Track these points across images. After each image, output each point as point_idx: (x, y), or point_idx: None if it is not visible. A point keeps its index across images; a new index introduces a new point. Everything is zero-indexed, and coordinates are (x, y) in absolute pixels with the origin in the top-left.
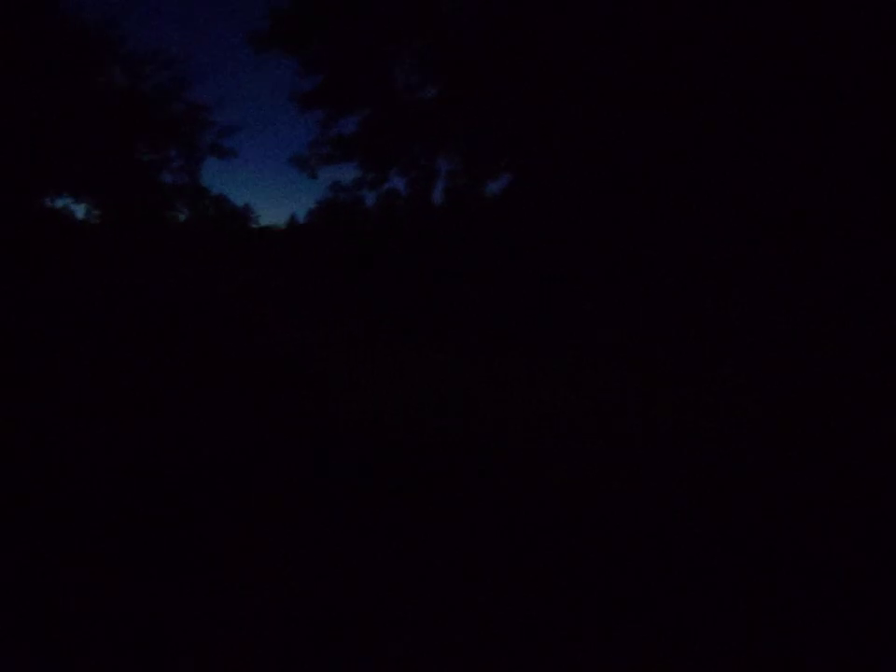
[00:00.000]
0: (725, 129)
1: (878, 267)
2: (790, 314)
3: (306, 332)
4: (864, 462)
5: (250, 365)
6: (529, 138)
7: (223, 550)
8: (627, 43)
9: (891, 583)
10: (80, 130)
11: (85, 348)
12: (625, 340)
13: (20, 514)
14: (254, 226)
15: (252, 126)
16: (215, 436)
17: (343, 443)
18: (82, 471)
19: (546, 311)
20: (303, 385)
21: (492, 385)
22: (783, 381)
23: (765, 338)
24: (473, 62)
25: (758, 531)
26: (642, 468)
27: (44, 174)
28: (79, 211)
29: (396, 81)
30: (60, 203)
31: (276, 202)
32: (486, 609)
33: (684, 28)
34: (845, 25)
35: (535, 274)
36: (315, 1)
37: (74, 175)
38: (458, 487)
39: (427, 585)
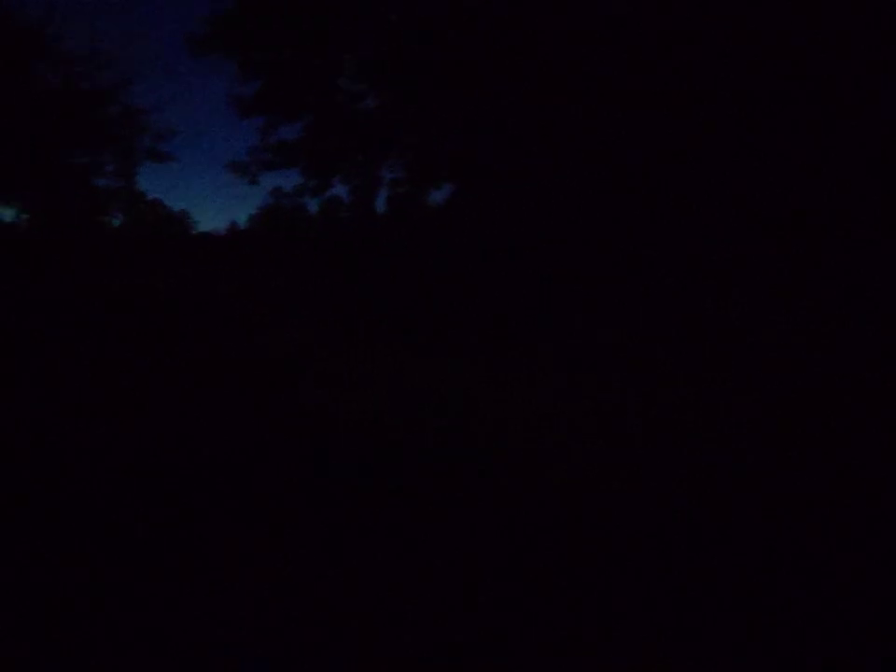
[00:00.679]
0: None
1: (879, 267)
2: (790, 313)
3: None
4: (864, 462)
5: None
6: (473, 148)
7: (223, 549)
8: (568, 53)
9: (891, 583)
10: (8, 130)
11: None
12: (625, 340)
13: (19, 514)
14: (192, 232)
15: (191, 131)
16: (214, 436)
17: (342, 443)
18: (81, 471)
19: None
20: (302, 384)
21: (491, 385)
22: (783, 381)
23: (765, 338)
24: (416, 72)
25: (758, 531)
26: (642, 468)
27: None
28: (5, 215)
29: (338, 88)
30: None
31: (217, 208)
32: (486, 609)
33: (639, 27)
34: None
35: (484, 280)
36: (254, 5)
37: (1, 176)
38: (458, 487)
39: (427, 585)
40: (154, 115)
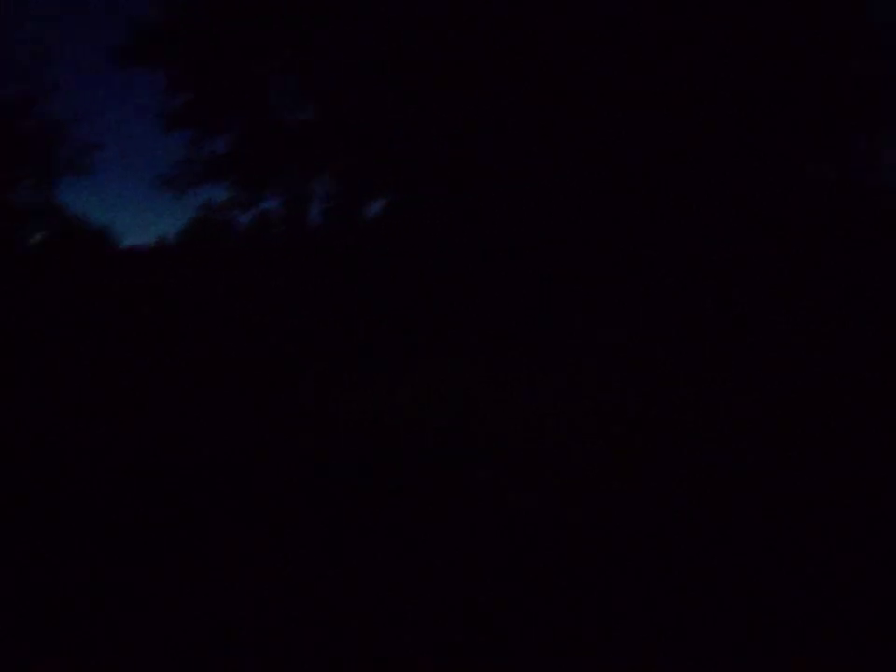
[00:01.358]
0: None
1: (878, 267)
2: (790, 313)
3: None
4: (864, 462)
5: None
6: (408, 162)
7: (223, 549)
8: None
9: (891, 583)
10: None
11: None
12: (625, 340)
13: (19, 514)
14: (117, 246)
15: (117, 144)
16: (214, 436)
17: (343, 443)
18: (82, 472)
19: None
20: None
21: (491, 385)
22: (783, 381)
23: (765, 338)
24: (345, 85)
25: (758, 531)
26: (642, 468)
27: None
28: None
29: (269, 101)
30: None
31: (144, 223)
32: (486, 609)
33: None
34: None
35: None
36: (180, 16)
37: None
38: (458, 487)
39: (427, 585)
40: (74, 127)
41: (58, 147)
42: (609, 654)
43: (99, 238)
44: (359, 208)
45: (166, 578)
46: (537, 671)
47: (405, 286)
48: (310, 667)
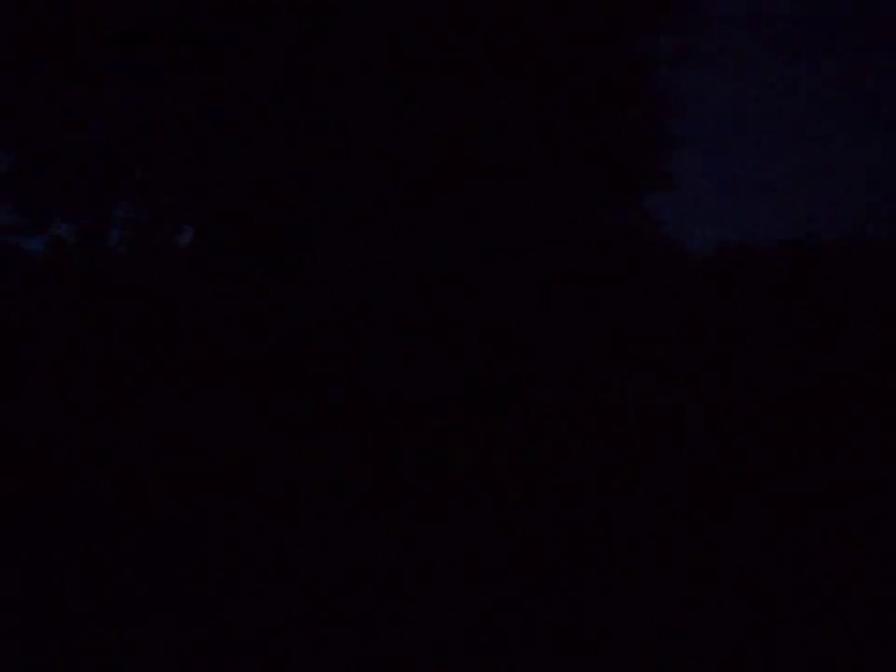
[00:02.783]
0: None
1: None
2: (789, 313)
3: None
4: (864, 462)
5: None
6: (212, 191)
7: (223, 549)
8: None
9: (891, 583)
10: None
11: None
12: (626, 341)
13: (23, 514)
14: None
15: None
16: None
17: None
18: (86, 471)
19: None
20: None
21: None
22: (783, 381)
23: (765, 338)
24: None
25: (758, 531)
26: (642, 468)
27: None
28: None
29: (61, 120)
30: None
31: None
32: (486, 609)
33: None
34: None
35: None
36: None
37: None
38: (458, 488)
39: (427, 585)
40: None
41: None
42: (610, 654)
43: None
44: (164, 235)
45: (167, 577)
46: (537, 671)
47: (207, 315)
48: (310, 667)
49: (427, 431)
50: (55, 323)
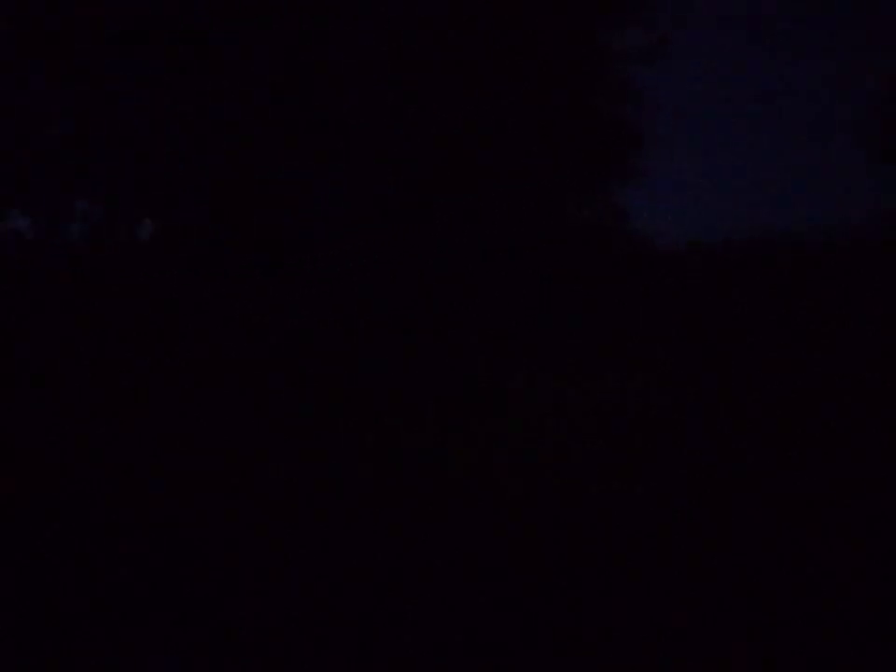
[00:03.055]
0: None
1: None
2: (789, 313)
3: None
4: (864, 462)
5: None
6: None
7: (223, 549)
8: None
9: (891, 583)
10: None
11: None
12: (626, 340)
13: (22, 514)
14: None
15: None
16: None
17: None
18: (85, 471)
19: None
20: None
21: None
22: (783, 381)
23: (765, 338)
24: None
25: (758, 531)
26: (642, 467)
27: None
28: None
29: (17, 110)
30: None
31: None
32: (486, 608)
33: None
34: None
35: None
36: None
37: None
38: (458, 487)
39: (427, 585)
40: None
41: None
42: (610, 654)
43: None
44: (124, 230)
45: (167, 577)
46: (537, 671)
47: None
48: (310, 667)
49: (427, 431)
50: (14, 318)
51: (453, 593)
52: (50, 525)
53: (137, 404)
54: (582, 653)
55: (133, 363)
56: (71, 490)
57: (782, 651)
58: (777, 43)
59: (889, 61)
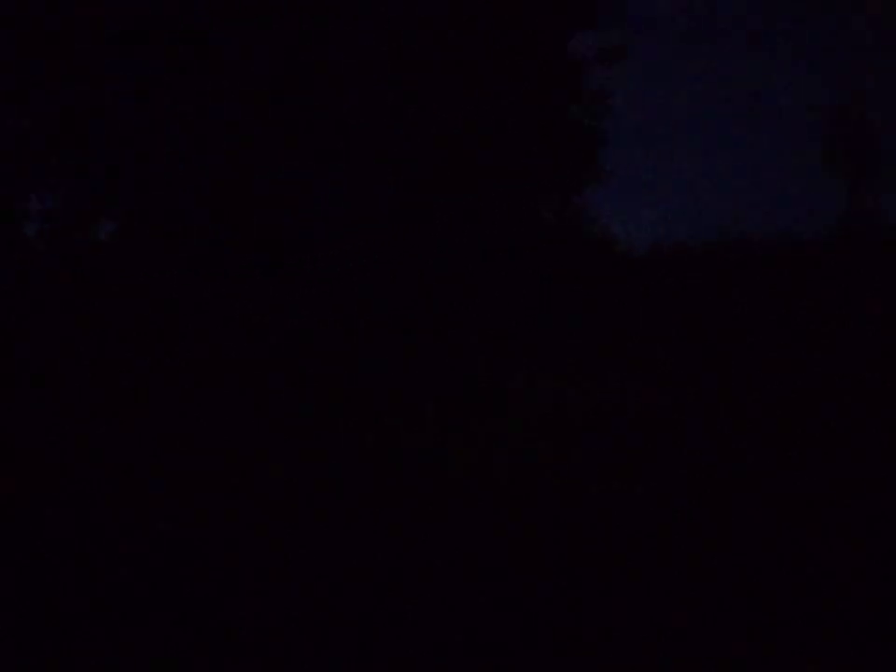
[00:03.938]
0: None
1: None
2: (789, 313)
3: None
4: (864, 462)
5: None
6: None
7: (222, 549)
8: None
9: (891, 583)
10: None
11: None
12: (626, 341)
13: (22, 515)
14: None
15: None
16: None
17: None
18: (84, 471)
19: None
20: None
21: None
22: (783, 381)
23: (765, 338)
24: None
25: (758, 531)
26: (642, 467)
27: None
28: None
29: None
30: None
31: None
32: (486, 608)
33: None
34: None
35: None
36: None
37: None
38: (458, 488)
39: (427, 585)
40: None
41: None
42: (609, 654)
43: None
44: (84, 228)
45: (167, 577)
46: (537, 671)
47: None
48: (310, 667)
49: (427, 431)
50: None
51: (453, 593)
52: (50, 525)
53: (137, 404)
54: (582, 653)
55: (133, 363)
56: (62, 491)
57: (782, 650)
58: (748, 46)
59: (855, 76)
